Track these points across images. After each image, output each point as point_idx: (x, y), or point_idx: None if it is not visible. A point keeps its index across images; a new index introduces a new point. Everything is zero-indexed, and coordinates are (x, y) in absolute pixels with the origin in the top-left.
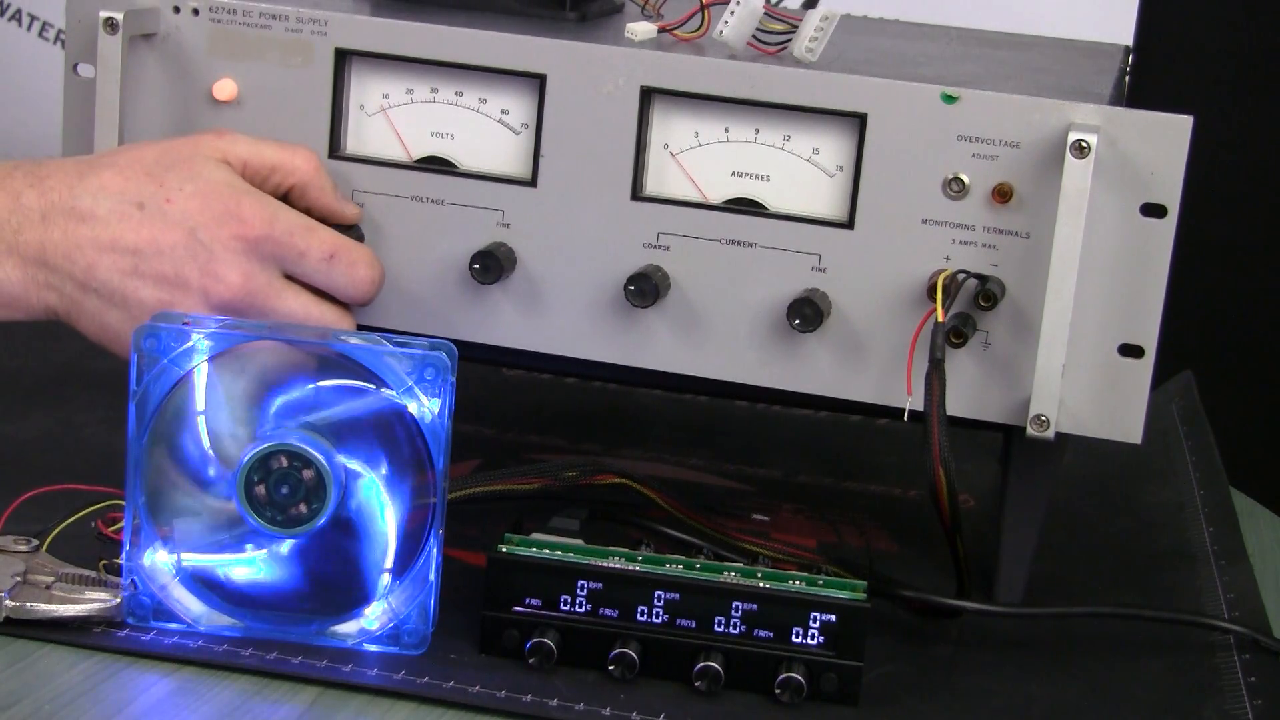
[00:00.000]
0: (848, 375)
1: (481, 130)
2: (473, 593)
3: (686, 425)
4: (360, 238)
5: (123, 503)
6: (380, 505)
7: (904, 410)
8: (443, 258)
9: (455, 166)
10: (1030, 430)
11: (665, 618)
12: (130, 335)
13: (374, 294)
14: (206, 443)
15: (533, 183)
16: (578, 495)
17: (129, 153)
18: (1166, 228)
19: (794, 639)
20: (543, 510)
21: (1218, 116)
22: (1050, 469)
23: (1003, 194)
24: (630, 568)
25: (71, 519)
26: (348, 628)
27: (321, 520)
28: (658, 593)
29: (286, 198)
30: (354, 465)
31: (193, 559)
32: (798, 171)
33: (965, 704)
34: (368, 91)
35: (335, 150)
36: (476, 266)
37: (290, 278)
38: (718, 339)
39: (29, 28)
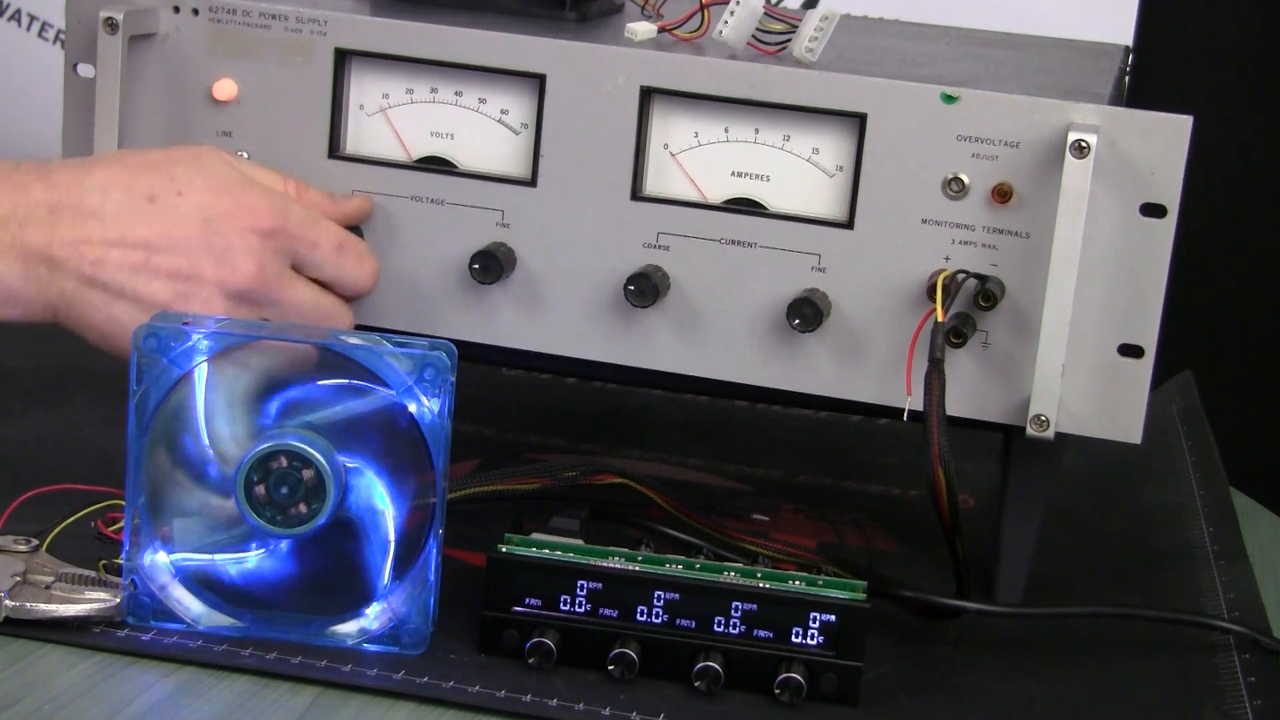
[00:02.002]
0: (848, 375)
1: (481, 130)
2: (473, 593)
3: (686, 425)
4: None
5: (123, 503)
6: (380, 505)
7: (904, 410)
8: (443, 258)
9: (455, 166)
10: (1030, 430)
11: (665, 618)
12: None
13: (374, 286)
14: (206, 443)
15: (532, 183)
16: (578, 495)
17: (133, 153)
18: (1166, 228)
19: (794, 639)
20: (543, 510)
21: (1218, 116)
22: (1050, 469)
23: (1002, 194)
24: (630, 568)
25: (71, 519)
26: (348, 628)
27: (321, 520)
28: (657, 593)
29: None
30: (354, 465)
31: (192, 559)
32: (797, 171)
33: (965, 704)
34: (367, 91)
35: (335, 150)
36: (476, 266)
37: (295, 269)
38: (718, 339)
39: (29, 28)
